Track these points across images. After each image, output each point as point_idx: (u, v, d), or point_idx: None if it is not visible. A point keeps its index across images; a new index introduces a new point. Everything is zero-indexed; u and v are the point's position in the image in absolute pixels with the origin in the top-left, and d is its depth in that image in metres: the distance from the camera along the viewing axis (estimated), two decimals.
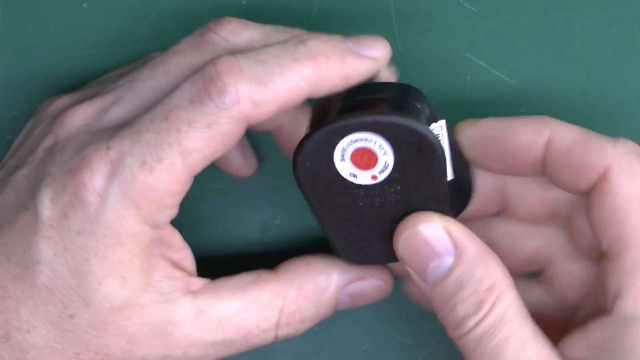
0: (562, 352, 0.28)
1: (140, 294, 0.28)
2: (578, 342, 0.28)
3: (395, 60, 0.30)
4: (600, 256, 0.28)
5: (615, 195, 0.27)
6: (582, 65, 0.36)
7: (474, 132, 0.30)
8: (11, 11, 0.37)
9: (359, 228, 0.29)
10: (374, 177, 0.28)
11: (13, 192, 0.28)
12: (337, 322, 0.35)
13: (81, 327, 0.27)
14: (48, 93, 0.36)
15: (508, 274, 0.28)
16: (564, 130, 0.28)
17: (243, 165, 0.34)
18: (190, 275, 0.29)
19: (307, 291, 0.30)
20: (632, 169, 0.27)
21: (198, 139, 0.26)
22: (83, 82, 0.34)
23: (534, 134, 0.29)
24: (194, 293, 0.29)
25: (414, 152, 0.27)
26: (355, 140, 0.27)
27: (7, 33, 0.37)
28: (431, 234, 0.28)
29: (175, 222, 0.29)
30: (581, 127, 0.29)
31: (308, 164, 0.27)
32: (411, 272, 0.28)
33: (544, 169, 0.29)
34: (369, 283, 0.31)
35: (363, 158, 0.27)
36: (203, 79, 0.27)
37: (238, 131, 0.27)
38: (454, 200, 0.30)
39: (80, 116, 0.29)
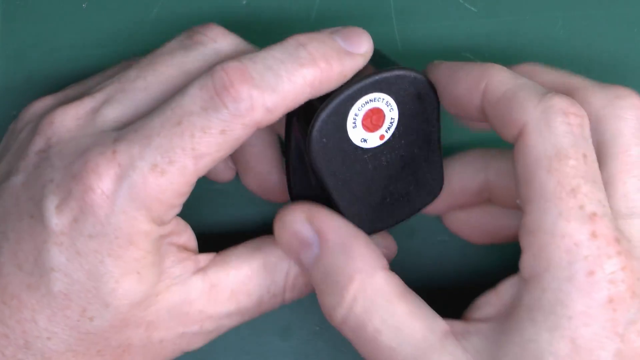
0: (473, 308, 0.28)
1: (156, 284, 0.28)
2: (490, 300, 0.28)
3: (396, 60, 0.30)
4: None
5: (527, 154, 0.26)
6: (582, 65, 0.36)
7: (431, 75, 0.30)
8: (11, 11, 0.37)
9: (370, 195, 0.30)
10: (381, 137, 0.29)
11: (11, 200, 0.28)
12: None
13: (102, 328, 0.28)
14: (48, 93, 0.36)
15: (378, 253, 0.28)
16: (500, 80, 0.28)
17: (223, 170, 0.35)
18: (196, 253, 0.30)
19: None
20: (550, 127, 0.26)
21: (212, 144, 0.27)
22: None
23: (472, 82, 0.28)
24: (203, 270, 0.29)
25: (415, 102, 0.29)
26: (367, 102, 0.28)
27: (7, 33, 0.37)
28: (296, 226, 0.29)
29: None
30: (524, 78, 0.28)
31: (324, 140, 0.28)
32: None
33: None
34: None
35: (373, 119, 0.29)
36: (214, 85, 0.27)
37: (247, 136, 0.27)
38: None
39: (72, 117, 0.28)
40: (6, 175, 0.29)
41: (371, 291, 0.27)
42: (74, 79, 0.35)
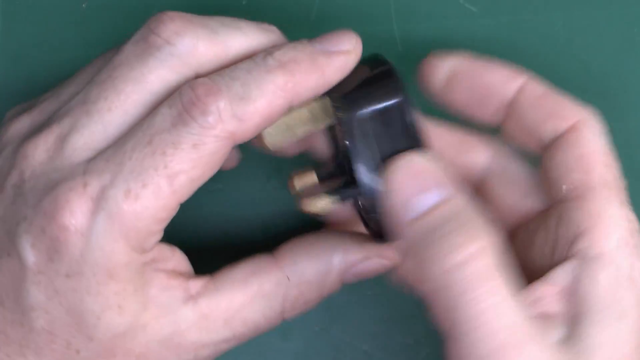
0: (531, 303, 0.27)
1: (141, 314, 0.27)
2: (546, 293, 0.27)
3: (396, 60, 0.30)
4: (553, 202, 0.29)
5: (584, 146, 0.29)
6: (582, 65, 0.36)
7: (445, 64, 0.30)
8: (11, 11, 0.37)
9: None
10: None
11: None
12: (337, 322, 0.35)
13: (89, 358, 0.27)
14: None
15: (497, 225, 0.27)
16: (538, 81, 0.30)
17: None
18: (188, 278, 0.29)
19: (309, 277, 0.30)
20: (598, 129, 0.29)
21: (185, 160, 0.26)
22: None
23: (508, 76, 0.30)
24: (194, 298, 0.29)
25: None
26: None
27: (7, 33, 0.37)
28: (425, 167, 0.27)
29: (175, 222, 0.29)
30: None
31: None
32: (389, 206, 0.27)
33: (505, 116, 0.30)
34: (374, 262, 0.31)
35: None
36: (182, 102, 0.26)
37: (224, 151, 0.27)
38: None
39: (42, 149, 0.28)
40: None
41: (492, 255, 0.25)
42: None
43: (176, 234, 0.30)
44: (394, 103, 0.28)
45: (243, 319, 0.29)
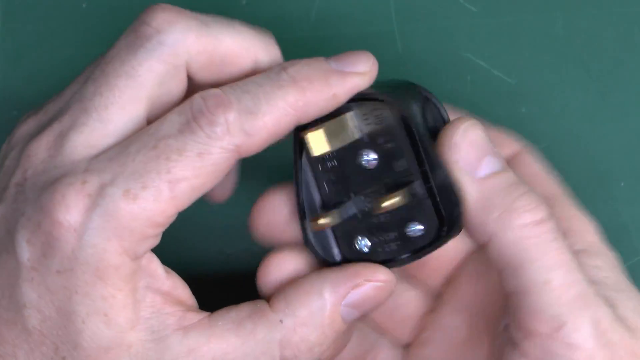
0: None
1: (127, 332, 0.27)
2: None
3: (396, 60, 0.30)
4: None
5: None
6: (582, 65, 0.36)
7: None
8: (11, 11, 0.37)
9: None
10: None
11: None
12: None
13: None
14: (48, 93, 0.36)
15: None
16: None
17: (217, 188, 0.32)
18: (187, 309, 0.28)
19: (303, 317, 0.29)
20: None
21: (188, 167, 0.26)
22: None
23: None
24: (185, 329, 0.28)
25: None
26: None
27: (7, 33, 0.37)
28: (480, 135, 0.28)
29: (173, 225, 0.28)
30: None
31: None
32: (457, 167, 0.28)
33: None
34: (366, 287, 0.30)
35: None
36: (192, 110, 0.26)
37: (228, 163, 0.27)
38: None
39: (44, 147, 0.28)
40: None
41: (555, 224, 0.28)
42: (74, 79, 0.35)
43: (175, 265, 0.29)
44: (426, 98, 0.29)
45: None
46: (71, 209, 0.26)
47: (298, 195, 0.30)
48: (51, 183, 0.27)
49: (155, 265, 0.28)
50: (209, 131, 0.26)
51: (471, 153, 0.28)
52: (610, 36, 0.36)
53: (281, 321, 0.28)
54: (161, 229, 0.27)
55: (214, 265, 0.35)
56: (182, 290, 0.29)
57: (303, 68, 0.28)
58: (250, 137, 0.27)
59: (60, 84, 0.36)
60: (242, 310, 0.29)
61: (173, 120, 0.27)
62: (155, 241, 0.27)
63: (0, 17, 0.37)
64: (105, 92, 0.28)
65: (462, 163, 0.28)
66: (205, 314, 0.28)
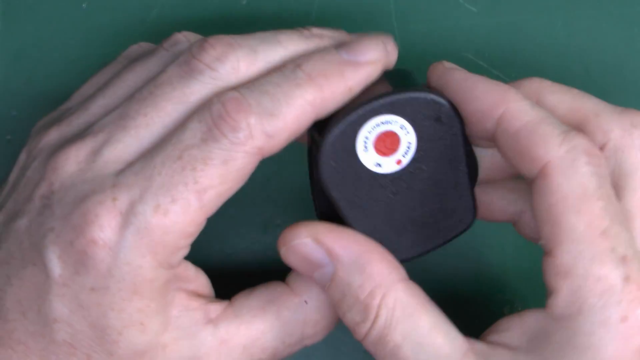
0: (494, 331, 0.27)
1: (161, 334, 0.28)
2: (513, 326, 0.27)
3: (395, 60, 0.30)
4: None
5: (552, 194, 0.26)
6: (582, 65, 0.36)
7: (440, 79, 0.29)
8: (11, 11, 0.37)
9: (390, 223, 0.29)
10: (398, 162, 0.28)
11: (15, 244, 0.28)
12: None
13: None
14: (48, 93, 0.36)
15: (395, 264, 0.28)
16: (519, 110, 0.27)
17: None
18: (208, 301, 0.29)
19: (326, 299, 0.30)
20: (576, 168, 0.26)
21: (214, 175, 0.26)
22: (83, 83, 0.34)
23: (488, 105, 0.27)
24: (214, 322, 0.29)
25: (434, 125, 0.28)
26: (377, 125, 0.27)
27: (7, 33, 0.37)
28: (303, 249, 0.28)
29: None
30: (543, 111, 0.27)
31: (333, 164, 0.27)
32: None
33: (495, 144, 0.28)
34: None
35: (386, 142, 0.28)
36: (212, 117, 0.26)
37: (252, 166, 0.27)
38: (470, 169, 0.29)
39: (73, 160, 0.28)
40: (13, 216, 0.28)
41: (394, 304, 0.27)
42: (74, 79, 0.35)
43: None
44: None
45: (262, 346, 0.29)
46: (105, 228, 0.26)
47: (313, 191, 0.30)
48: (81, 199, 0.27)
49: (187, 269, 0.29)
50: (232, 137, 0.26)
51: (305, 274, 0.29)
52: (610, 36, 0.36)
53: (306, 302, 0.29)
54: (193, 238, 0.27)
55: (214, 265, 0.35)
56: (201, 281, 0.29)
57: (317, 63, 0.28)
58: (272, 139, 0.27)
59: (60, 84, 0.36)
60: (262, 294, 0.30)
61: (194, 128, 0.27)
62: (187, 250, 0.28)
63: (0, 17, 0.37)
64: (150, 113, 0.28)
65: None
66: (224, 302, 0.29)
